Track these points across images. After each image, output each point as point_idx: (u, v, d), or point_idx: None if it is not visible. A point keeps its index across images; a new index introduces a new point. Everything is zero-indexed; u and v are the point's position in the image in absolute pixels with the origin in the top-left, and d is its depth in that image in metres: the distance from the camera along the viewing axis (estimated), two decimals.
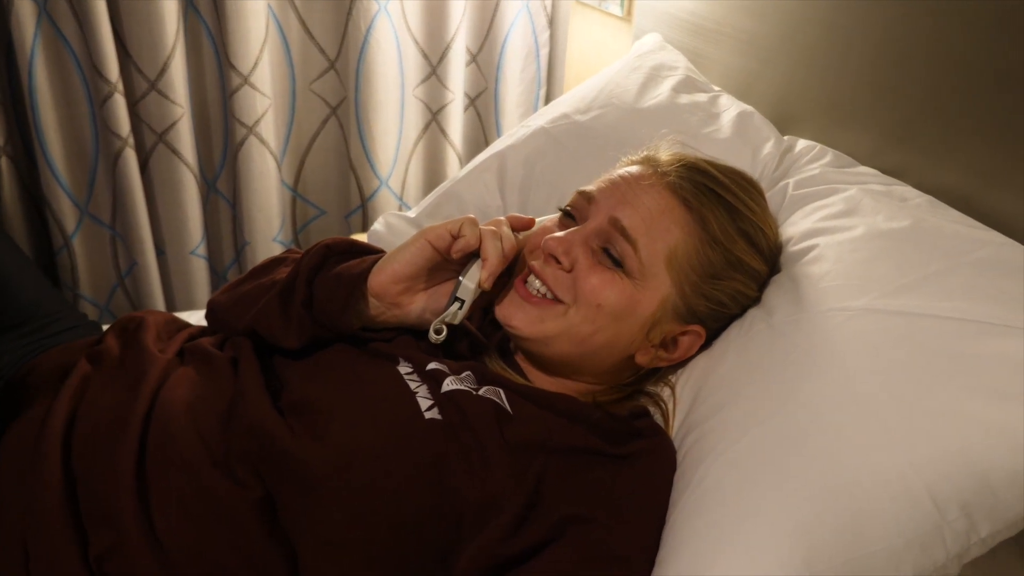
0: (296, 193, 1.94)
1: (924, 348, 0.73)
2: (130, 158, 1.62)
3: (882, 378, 0.72)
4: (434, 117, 1.91)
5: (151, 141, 1.67)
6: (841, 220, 0.93)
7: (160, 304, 1.79)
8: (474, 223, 0.84)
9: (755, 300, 0.89)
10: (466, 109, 1.97)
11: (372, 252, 0.91)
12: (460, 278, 0.84)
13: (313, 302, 0.86)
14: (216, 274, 1.93)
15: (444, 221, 0.85)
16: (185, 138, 1.68)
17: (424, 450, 0.76)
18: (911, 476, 0.67)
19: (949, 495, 0.66)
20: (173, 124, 1.65)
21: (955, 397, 0.69)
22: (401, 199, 1.96)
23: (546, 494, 0.77)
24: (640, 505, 0.77)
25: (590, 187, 0.89)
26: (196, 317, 1.26)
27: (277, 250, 1.85)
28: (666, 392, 0.90)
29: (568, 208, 0.90)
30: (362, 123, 1.82)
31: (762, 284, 0.90)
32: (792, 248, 0.92)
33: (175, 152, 1.68)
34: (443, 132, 1.93)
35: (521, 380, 0.87)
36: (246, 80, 1.67)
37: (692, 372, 0.89)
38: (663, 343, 0.88)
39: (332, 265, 0.88)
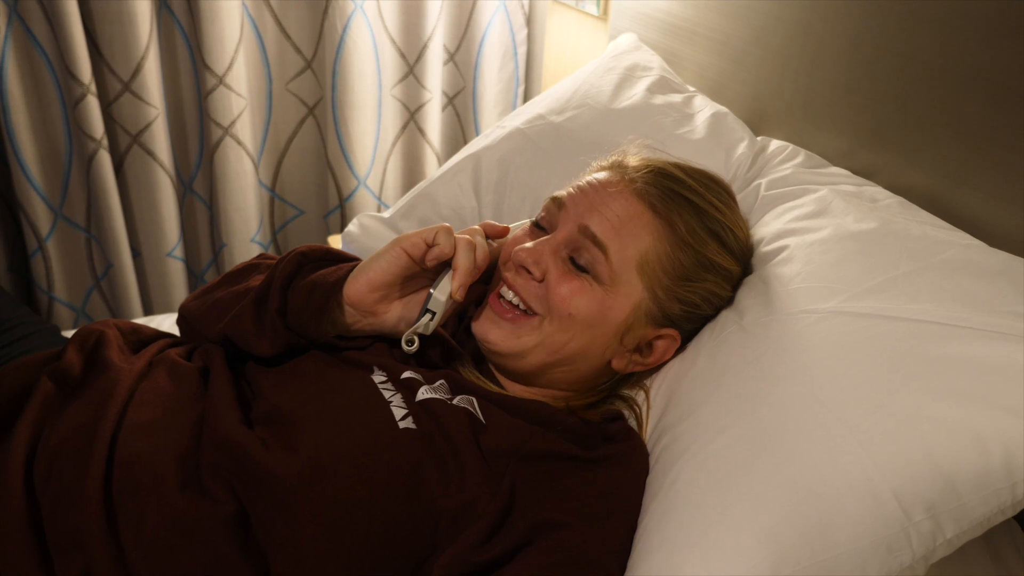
0: (274, 193, 1.93)
1: (891, 350, 0.74)
2: (104, 160, 1.61)
3: (849, 380, 0.73)
4: (412, 116, 1.90)
5: (125, 143, 1.66)
6: (812, 221, 0.93)
7: (137, 306, 1.77)
8: (449, 232, 0.84)
9: (728, 300, 0.90)
10: (444, 108, 1.96)
11: (347, 260, 0.91)
12: (431, 290, 0.84)
13: (288, 310, 0.85)
14: (193, 275, 1.92)
15: (419, 227, 0.84)
16: (160, 139, 1.67)
17: (399, 459, 0.76)
18: (876, 478, 0.67)
19: (914, 497, 0.67)
20: (148, 125, 1.64)
21: (920, 399, 0.70)
22: (380, 199, 1.96)
23: (520, 500, 0.77)
24: (612, 508, 0.78)
25: (561, 193, 0.90)
26: (172, 320, 1.25)
27: (255, 251, 1.85)
28: (640, 396, 0.91)
29: (538, 220, 0.91)
30: (339, 123, 1.82)
31: (735, 284, 0.91)
32: (763, 248, 0.93)
33: (150, 153, 1.67)
34: (421, 131, 1.92)
35: (495, 388, 0.88)
36: (221, 80, 1.66)
37: (666, 375, 0.90)
38: (638, 348, 0.88)
39: (307, 273, 0.88)
